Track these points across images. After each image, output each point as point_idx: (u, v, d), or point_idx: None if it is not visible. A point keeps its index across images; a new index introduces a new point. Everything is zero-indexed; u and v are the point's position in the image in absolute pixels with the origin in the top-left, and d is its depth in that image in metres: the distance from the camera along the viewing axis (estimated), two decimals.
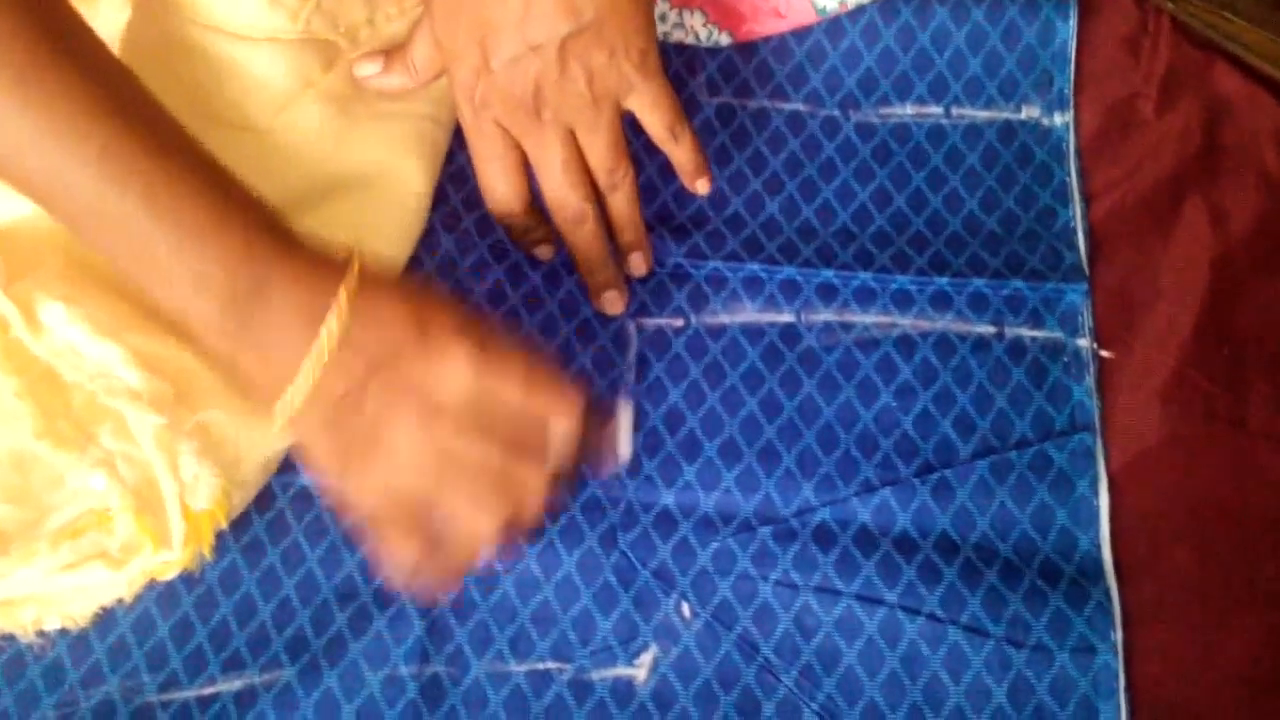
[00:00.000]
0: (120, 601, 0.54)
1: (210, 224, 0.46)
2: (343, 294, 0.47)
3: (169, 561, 0.52)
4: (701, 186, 0.61)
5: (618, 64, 0.55)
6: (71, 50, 0.46)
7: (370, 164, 0.60)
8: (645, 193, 0.62)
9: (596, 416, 0.52)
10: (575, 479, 0.56)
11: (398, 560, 0.49)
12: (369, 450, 0.48)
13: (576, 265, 0.60)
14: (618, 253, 0.60)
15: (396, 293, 0.49)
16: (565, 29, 0.54)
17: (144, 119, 0.47)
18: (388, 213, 0.60)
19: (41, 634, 0.54)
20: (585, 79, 0.55)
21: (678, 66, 0.66)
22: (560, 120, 0.56)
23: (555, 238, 0.61)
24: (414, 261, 0.61)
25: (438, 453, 0.48)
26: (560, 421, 0.50)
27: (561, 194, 0.58)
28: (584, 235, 0.58)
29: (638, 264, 0.60)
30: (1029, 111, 0.64)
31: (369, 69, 0.60)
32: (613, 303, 0.60)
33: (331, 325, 0.47)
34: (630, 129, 0.59)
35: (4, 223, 0.54)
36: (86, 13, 0.48)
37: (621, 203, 0.59)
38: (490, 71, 0.55)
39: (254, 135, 0.59)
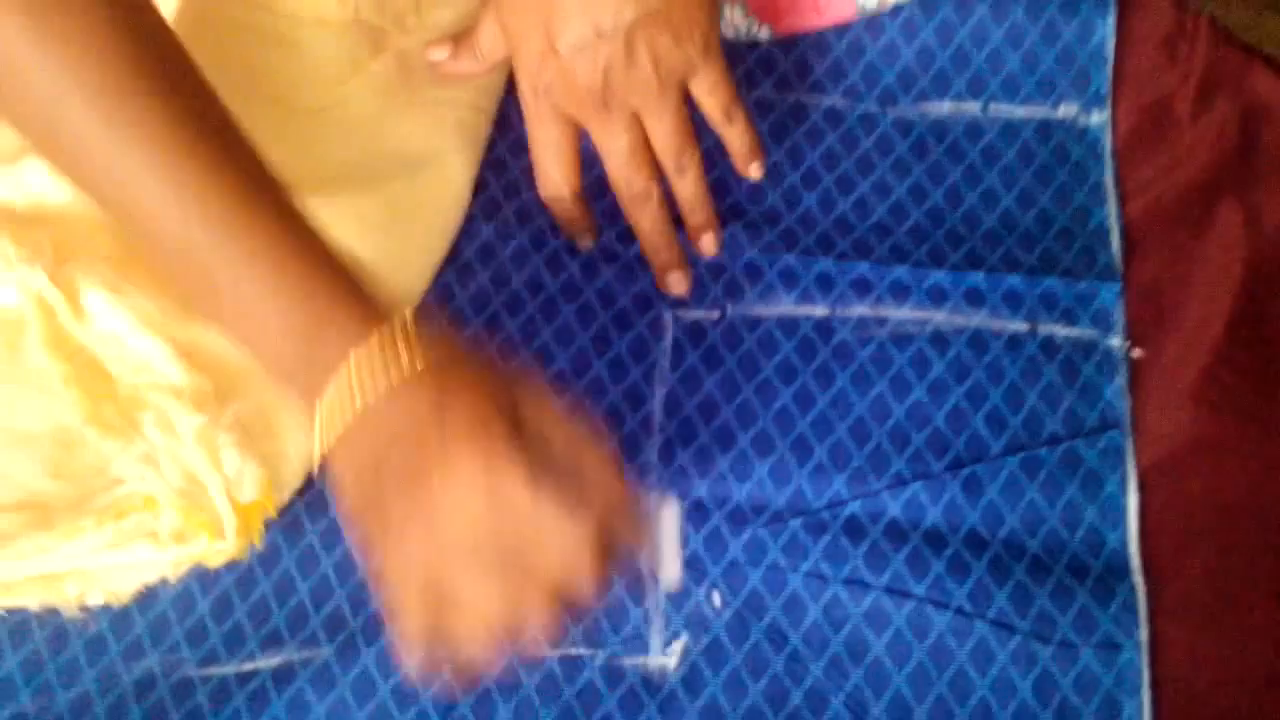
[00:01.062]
0: (163, 580, 0.55)
1: (277, 277, 0.46)
2: (393, 374, 0.45)
3: (220, 550, 0.53)
4: (755, 170, 0.61)
5: (683, 48, 0.56)
6: (164, 83, 0.46)
7: (414, 150, 0.61)
8: None
9: (632, 521, 0.47)
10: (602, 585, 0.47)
11: (408, 640, 0.46)
12: (390, 527, 0.46)
13: (642, 247, 0.60)
14: (686, 235, 0.61)
15: (440, 388, 0.45)
16: (632, 14, 0.54)
17: (230, 159, 0.47)
18: (430, 199, 0.61)
19: (84, 608, 0.55)
20: (651, 64, 0.55)
21: None
22: (627, 106, 0.57)
23: (598, 226, 0.61)
24: (454, 249, 0.62)
25: (441, 553, 0.45)
26: (570, 540, 0.44)
27: (627, 175, 0.58)
28: (649, 216, 0.59)
29: (709, 244, 0.61)
30: (1066, 110, 0.64)
31: (440, 54, 0.61)
32: (678, 283, 0.60)
33: (366, 398, 0.45)
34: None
35: (53, 207, 0.55)
36: None
37: (690, 185, 0.59)
38: (556, 56, 0.55)
39: (303, 116, 0.60)
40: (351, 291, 0.47)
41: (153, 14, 0.48)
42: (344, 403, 0.45)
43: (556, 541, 0.44)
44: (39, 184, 0.57)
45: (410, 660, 0.46)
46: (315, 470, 0.50)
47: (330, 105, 0.60)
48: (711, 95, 0.58)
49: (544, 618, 0.45)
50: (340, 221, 0.55)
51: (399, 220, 0.59)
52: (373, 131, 0.60)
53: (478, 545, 0.44)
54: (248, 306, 0.46)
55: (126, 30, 0.46)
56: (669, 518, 0.53)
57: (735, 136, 0.60)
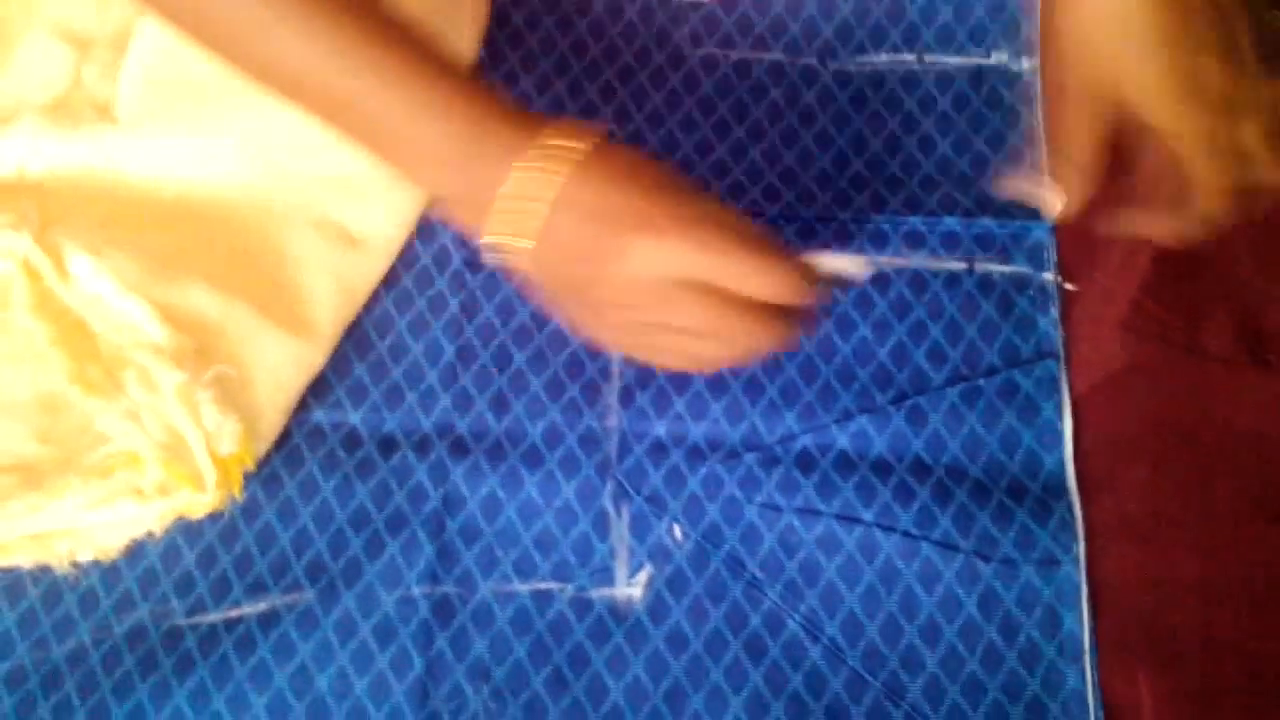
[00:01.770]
0: (149, 534, 0.57)
1: (439, 102, 0.50)
2: (566, 170, 0.50)
3: (201, 502, 0.56)
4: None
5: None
6: None
7: None
8: (633, 139, 0.66)
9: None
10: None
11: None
12: (596, 311, 0.53)
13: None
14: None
15: (625, 171, 0.51)
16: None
17: (369, 12, 0.51)
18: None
19: (75, 565, 0.57)
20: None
21: (663, 21, 0.68)
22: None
23: None
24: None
25: (656, 326, 0.52)
26: (784, 298, 0.52)
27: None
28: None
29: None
30: (998, 57, 0.67)
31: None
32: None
33: (551, 192, 0.50)
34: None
35: (38, 173, 0.57)
36: None
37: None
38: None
39: None
40: (507, 110, 0.51)
41: None
42: (523, 204, 0.50)
43: (767, 274, 0.51)
44: (22, 154, 0.59)
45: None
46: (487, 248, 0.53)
47: None
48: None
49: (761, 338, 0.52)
50: None
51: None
52: None
53: (677, 297, 0.50)
54: (417, 143, 0.51)
55: None
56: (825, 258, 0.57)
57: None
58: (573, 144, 0.50)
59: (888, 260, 0.63)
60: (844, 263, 0.57)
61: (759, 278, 0.51)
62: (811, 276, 0.53)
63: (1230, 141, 0.56)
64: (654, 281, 0.50)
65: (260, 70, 0.52)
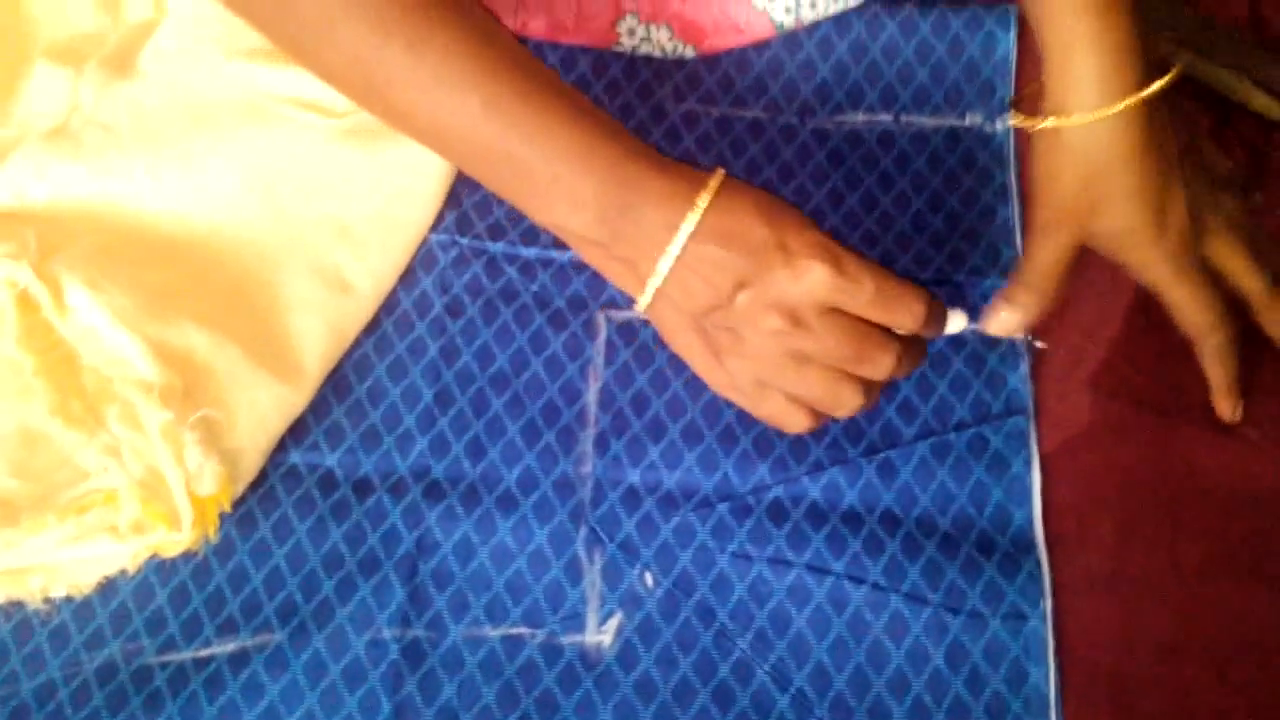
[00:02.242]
0: (123, 571, 0.57)
1: (581, 154, 0.52)
2: (701, 200, 0.52)
3: (176, 541, 0.56)
4: None
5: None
6: (456, 11, 0.51)
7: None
8: None
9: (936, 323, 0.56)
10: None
11: (784, 419, 0.56)
12: (733, 349, 0.54)
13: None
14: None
15: (755, 203, 0.52)
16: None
17: (519, 66, 0.52)
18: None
19: (48, 600, 0.57)
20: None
21: (646, 77, 0.70)
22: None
23: (536, 233, 0.65)
24: None
25: (793, 353, 0.53)
26: (907, 325, 0.54)
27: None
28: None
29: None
30: (972, 118, 0.68)
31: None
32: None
33: (689, 225, 0.51)
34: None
35: (39, 201, 0.58)
36: None
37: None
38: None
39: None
40: (656, 163, 0.53)
41: None
42: (672, 247, 0.52)
43: (899, 300, 0.53)
44: (23, 182, 0.59)
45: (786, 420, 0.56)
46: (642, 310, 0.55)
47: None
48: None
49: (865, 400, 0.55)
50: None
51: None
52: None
53: (831, 334, 0.53)
54: (566, 193, 0.52)
55: None
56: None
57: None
58: (705, 177, 0.52)
59: None
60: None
61: (892, 303, 0.53)
62: (937, 310, 0.55)
63: (1203, 265, 0.59)
64: (792, 308, 0.52)
65: (402, 118, 0.53)
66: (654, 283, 0.53)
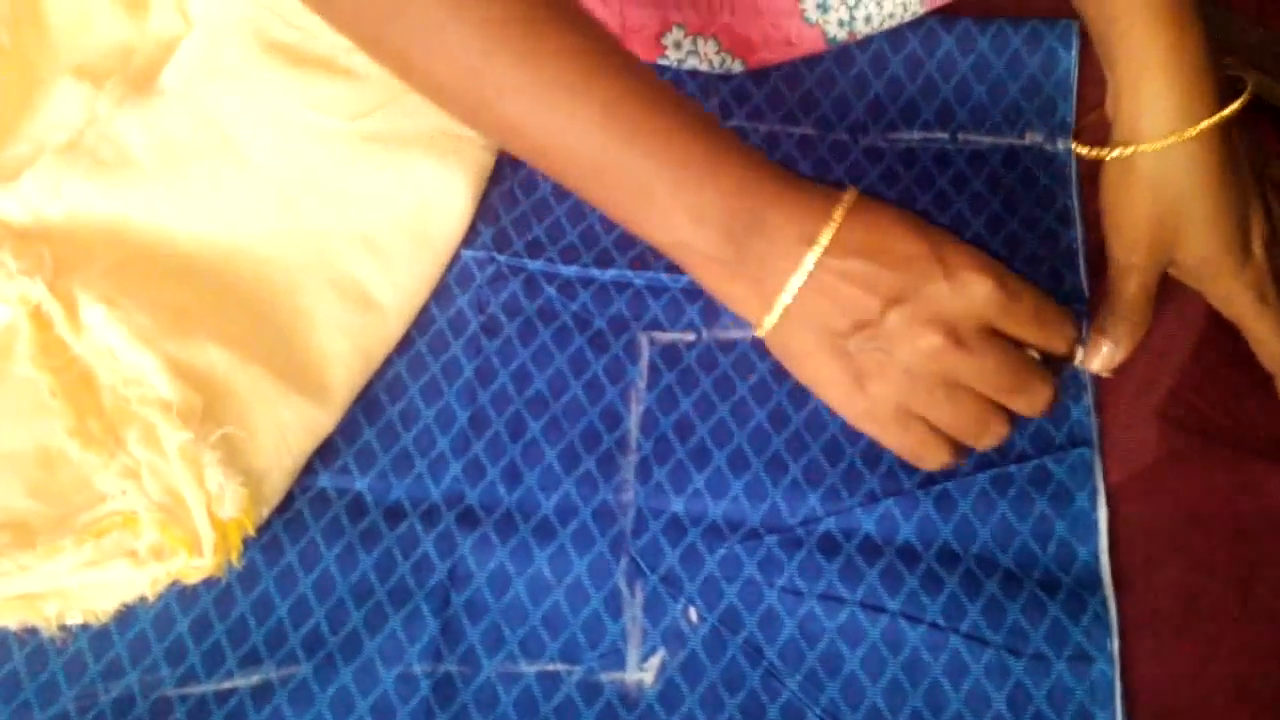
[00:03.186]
0: (142, 599, 0.55)
1: (706, 166, 0.49)
2: (837, 214, 0.49)
3: (197, 567, 0.53)
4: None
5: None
6: (566, 17, 0.49)
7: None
8: None
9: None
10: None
11: (925, 455, 0.53)
12: (879, 372, 0.51)
13: None
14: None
15: (899, 217, 0.50)
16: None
17: (635, 75, 0.50)
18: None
19: (64, 628, 0.55)
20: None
21: (692, 90, 0.68)
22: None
23: (576, 251, 0.63)
24: None
25: (946, 377, 0.51)
26: (1060, 348, 0.52)
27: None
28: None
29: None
30: (1032, 137, 0.66)
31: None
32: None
33: (822, 241, 0.49)
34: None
35: (55, 217, 0.56)
36: None
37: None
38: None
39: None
40: (784, 177, 0.50)
41: None
42: (804, 265, 0.50)
43: (1052, 320, 0.51)
44: (38, 199, 0.58)
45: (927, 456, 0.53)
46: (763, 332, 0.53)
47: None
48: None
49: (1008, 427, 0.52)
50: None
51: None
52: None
53: (988, 353, 0.50)
54: (690, 207, 0.49)
55: None
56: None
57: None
58: (838, 191, 0.50)
59: None
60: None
61: (1049, 325, 0.51)
62: (1077, 330, 0.53)
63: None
64: (953, 324, 0.49)
65: (511, 132, 0.51)
66: (783, 299, 0.50)
